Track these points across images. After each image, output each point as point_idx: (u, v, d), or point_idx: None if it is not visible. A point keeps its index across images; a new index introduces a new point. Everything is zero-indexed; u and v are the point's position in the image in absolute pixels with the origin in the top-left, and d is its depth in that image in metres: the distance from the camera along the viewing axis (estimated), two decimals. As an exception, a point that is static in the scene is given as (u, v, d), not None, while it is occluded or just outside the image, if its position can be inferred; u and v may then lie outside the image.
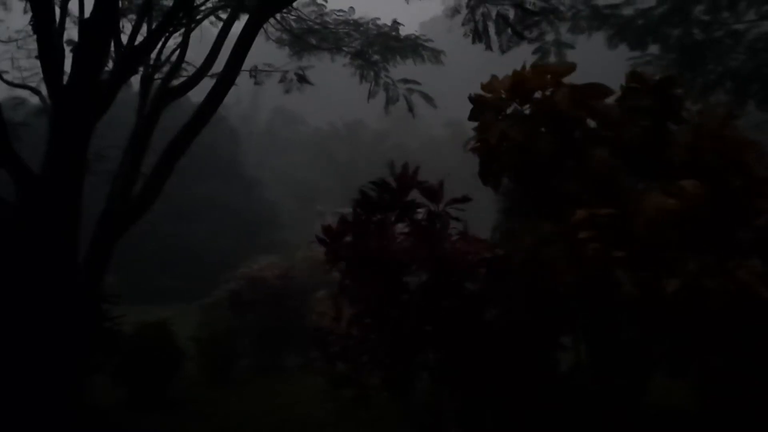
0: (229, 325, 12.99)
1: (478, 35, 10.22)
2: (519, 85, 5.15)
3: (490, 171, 5.27)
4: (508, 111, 5.30)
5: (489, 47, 10.33)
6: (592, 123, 5.18)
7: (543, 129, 5.09)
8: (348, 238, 5.51)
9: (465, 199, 5.64)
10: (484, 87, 5.34)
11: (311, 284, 13.31)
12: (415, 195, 5.69)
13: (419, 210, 5.65)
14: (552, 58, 10.64)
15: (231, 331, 12.73)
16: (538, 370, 4.98)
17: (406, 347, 5.29)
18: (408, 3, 10.65)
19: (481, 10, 10.20)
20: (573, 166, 4.86)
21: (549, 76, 5.14)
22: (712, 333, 4.08)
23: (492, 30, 10.22)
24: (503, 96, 5.26)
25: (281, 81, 13.73)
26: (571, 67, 5.25)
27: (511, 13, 10.14)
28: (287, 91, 14.01)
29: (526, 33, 10.15)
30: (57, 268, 7.74)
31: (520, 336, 4.92)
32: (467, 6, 10.22)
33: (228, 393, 11.20)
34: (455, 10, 10.45)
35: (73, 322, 7.77)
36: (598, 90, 5.08)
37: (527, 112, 5.23)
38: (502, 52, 10.11)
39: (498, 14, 10.11)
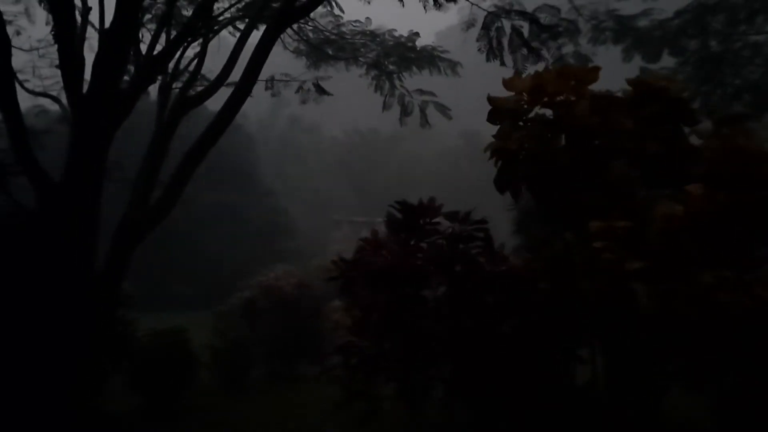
0: (243, 333, 13.02)
1: (493, 52, 10.20)
2: (540, 87, 5.10)
3: (507, 179, 5.23)
4: (530, 115, 5.25)
5: (503, 63, 10.30)
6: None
7: (563, 138, 5.05)
8: (367, 253, 5.63)
9: (483, 222, 5.85)
10: (506, 84, 5.30)
11: (326, 293, 13.31)
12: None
13: (442, 230, 5.86)
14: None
15: (245, 340, 12.75)
16: (554, 382, 4.93)
17: (420, 358, 5.28)
18: (426, 11, 10.64)
19: (495, 25, 10.19)
20: (591, 177, 4.82)
21: (573, 82, 5.08)
22: (728, 347, 4.01)
23: (506, 47, 10.20)
24: (524, 99, 5.20)
25: (298, 91, 13.83)
26: (596, 73, 5.17)
27: (525, 30, 10.12)
28: (304, 102, 14.11)
29: (542, 49, 10.08)
30: (72, 274, 7.82)
31: (536, 348, 4.88)
32: (483, 25, 10.22)
33: (242, 401, 11.19)
34: (470, 24, 10.46)
35: (84, 327, 7.83)
36: (615, 101, 5.04)
37: (549, 116, 5.17)
38: (516, 71, 10.06)
39: (513, 29, 10.08)
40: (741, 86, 12.45)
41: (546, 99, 5.10)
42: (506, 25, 10.19)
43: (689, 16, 12.21)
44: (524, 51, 10.06)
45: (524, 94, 5.15)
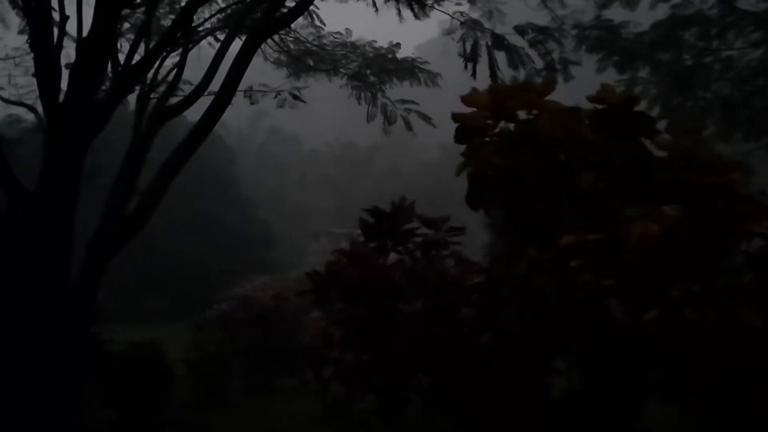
0: (221, 345, 12.88)
1: (466, 64, 10.40)
2: (499, 101, 5.09)
3: (477, 197, 5.25)
4: (495, 130, 5.27)
5: (474, 76, 10.48)
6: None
7: (528, 153, 5.07)
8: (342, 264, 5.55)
9: (460, 229, 5.76)
10: (464, 100, 5.27)
11: (305, 305, 13.23)
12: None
13: (417, 238, 5.76)
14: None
15: (222, 352, 12.62)
16: (531, 395, 4.94)
17: (398, 371, 5.25)
18: (401, 22, 10.87)
19: (472, 39, 10.41)
20: (560, 191, 4.85)
21: (532, 95, 5.11)
22: (702, 361, 4.05)
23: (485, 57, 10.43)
24: (486, 115, 5.20)
25: (276, 97, 13.87)
26: (552, 85, 5.23)
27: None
28: (280, 106, 14.15)
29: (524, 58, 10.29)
30: (46, 286, 7.69)
31: (513, 361, 4.89)
32: (460, 37, 10.43)
33: (219, 415, 11.05)
34: (450, 31, 10.66)
35: (59, 340, 7.70)
36: (578, 114, 5.07)
37: (512, 129, 5.19)
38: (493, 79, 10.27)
39: (487, 48, 10.31)
40: (712, 102, 12.71)
41: (508, 114, 5.11)
42: (484, 38, 10.41)
43: (663, 29, 12.43)
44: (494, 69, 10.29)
45: (485, 110, 5.16)
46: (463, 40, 10.48)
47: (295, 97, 13.63)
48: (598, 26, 12.15)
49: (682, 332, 3.83)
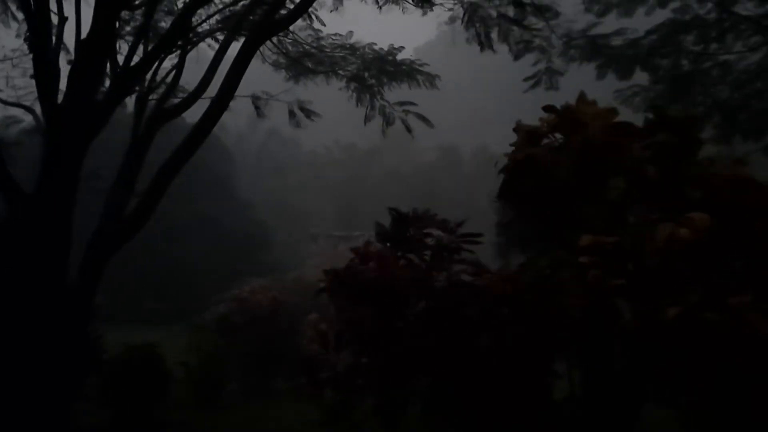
0: (218, 347, 12.87)
1: (481, 40, 10.41)
2: (567, 116, 5.27)
3: (511, 188, 5.39)
4: (545, 141, 5.45)
5: (491, 48, 10.51)
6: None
7: (571, 153, 5.17)
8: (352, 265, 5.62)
9: (476, 235, 5.89)
10: (545, 109, 5.49)
11: (302, 307, 13.23)
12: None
13: (429, 241, 5.88)
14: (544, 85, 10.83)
15: (220, 354, 12.60)
16: (531, 398, 4.95)
17: (398, 373, 5.26)
18: (404, 13, 10.89)
19: (479, 14, 10.42)
20: (590, 193, 4.93)
21: (596, 115, 5.26)
22: (708, 365, 4.07)
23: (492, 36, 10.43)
24: (553, 121, 5.39)
25: (292, 122, 14.10)
26: (615, 113, 5.39)
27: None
28: (297, 125, 14.36)
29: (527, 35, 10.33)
30: (44, 288, 7.68)
31: (514, 363, 4.90)
32: (466, 17, 10.44)
33: (216, 416, 11.04)
34: (452, 20, 10.70)
35: (60, 339, 7.69)
36: (629, 129, 5.20)
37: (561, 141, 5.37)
38: (515, 57, 10.26)
39: (498, 15, 10.29)
40: (711, 105, 12.71)
41: (575, 125, 5.27)
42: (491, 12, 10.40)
43: (660, 34, 12.43)
44: (514, 30, 10.26)
45: (558, 119, 5.32)
46: (471, 22, 10.44)
47: (307, 112, 13.84)
48: (585, 36, 12.17)
49: (696, 333, 3.88)
